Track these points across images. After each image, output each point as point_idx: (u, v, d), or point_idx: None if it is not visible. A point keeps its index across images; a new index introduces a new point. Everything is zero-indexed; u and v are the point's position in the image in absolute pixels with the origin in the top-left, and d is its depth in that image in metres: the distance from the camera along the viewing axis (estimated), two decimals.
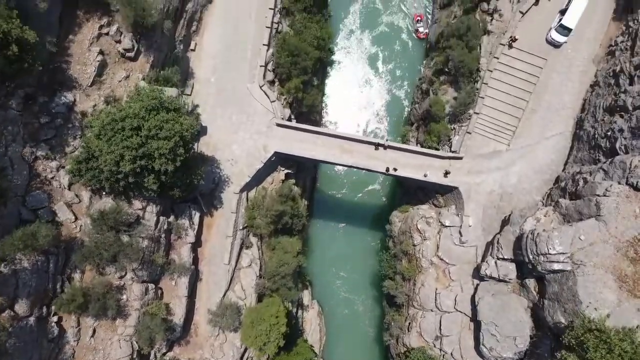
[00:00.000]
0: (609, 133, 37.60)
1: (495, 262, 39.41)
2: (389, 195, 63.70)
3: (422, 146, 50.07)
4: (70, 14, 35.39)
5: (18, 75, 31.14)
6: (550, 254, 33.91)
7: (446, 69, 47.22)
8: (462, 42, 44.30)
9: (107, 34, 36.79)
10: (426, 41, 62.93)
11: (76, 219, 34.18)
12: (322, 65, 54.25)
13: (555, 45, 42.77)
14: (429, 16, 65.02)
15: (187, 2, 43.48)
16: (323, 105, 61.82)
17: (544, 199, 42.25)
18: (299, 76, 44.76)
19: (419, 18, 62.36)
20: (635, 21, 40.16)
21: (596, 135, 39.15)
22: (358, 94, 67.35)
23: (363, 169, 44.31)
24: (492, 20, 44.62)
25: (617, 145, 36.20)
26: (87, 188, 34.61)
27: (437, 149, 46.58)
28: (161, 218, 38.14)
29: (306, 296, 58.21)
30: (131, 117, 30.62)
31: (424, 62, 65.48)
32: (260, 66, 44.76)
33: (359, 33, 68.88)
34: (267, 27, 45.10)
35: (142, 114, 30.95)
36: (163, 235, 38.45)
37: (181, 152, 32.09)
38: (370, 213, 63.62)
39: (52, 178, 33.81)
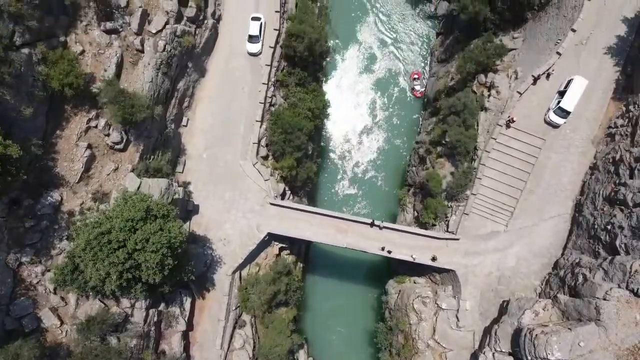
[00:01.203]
0: (608, 227, 36.75)
1: (493, 355, 38.43)
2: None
3: (418, 217, 49.27)
4: (58, 110, 34.52)
5: (1, 186, 30.30)
6: (549, 359, 33.10)
7: (443, 141, 46.32)
8: (458, 119, 43.42)
9: (95, 126, 35.98)
10: (424, 97, 62.06)
11: (62, 323, 33.22)
12: (317, 129, 53.32)
13: (554, 126, 41.90)
14: (427, 69, 64.16)
15: (179, 80, 42.56)
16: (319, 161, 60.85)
17: (542, 284, 41.38)
18: (293, 153, 43.79)
19: (416, 76, 61.32)
20: (636, 106, 39.34)
21: (596, 226, 38.27)
22: (355, 143, 66.54)
23: (359, 250, 43.44)
24: (489, 96, 43.70)
25: (617, 242, 35.37)
26: (73, 291, 33.73)
27: (435, 225, 45.79)
28: (151, 311, 37.19)
29: (302, 356, 57.21)
30: (117, 230, 29.74)
31: (422, 113, 64.71)
32: (254, 143, 43.89)
33: (356, 79, 68.02)
34: (260, 102, 44.28)
35: (129, 226, 30.07)
36: (153, 328, 37.51)
37: (169, 262, 31.18)
38: (367, 265, 62.44)
39: (37, 283, 32.93)
